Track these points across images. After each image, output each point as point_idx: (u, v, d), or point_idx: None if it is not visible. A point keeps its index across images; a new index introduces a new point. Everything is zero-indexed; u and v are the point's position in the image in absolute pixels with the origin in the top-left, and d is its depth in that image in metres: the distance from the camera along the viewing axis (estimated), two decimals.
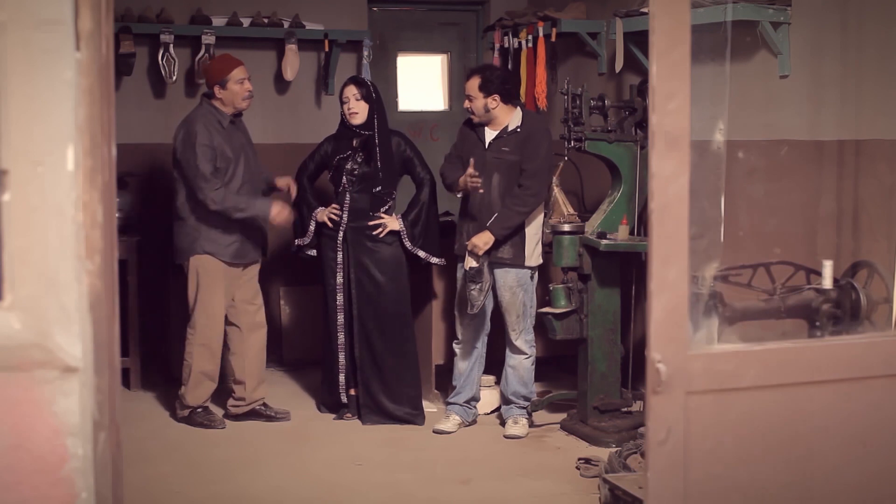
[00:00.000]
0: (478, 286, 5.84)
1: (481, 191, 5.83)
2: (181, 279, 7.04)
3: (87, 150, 2.47)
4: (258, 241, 6.21)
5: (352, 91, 6.14)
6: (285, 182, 6.30)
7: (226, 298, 6.12)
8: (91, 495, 2.50)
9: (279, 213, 6.04)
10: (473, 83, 5.91)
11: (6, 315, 2.46)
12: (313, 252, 6.30)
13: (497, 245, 5.87)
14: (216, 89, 6.04)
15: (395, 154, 6.18)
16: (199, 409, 6.15)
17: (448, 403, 6.17)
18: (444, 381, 6.30)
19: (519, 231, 5.90)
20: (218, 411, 6.26)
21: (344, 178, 6.16)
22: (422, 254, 6.20)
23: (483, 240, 5.83)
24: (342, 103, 6.16)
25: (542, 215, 6.01)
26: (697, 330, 2.99)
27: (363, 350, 6.19)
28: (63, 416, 2.48)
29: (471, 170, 5.79)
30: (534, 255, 5.96)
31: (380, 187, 6.14)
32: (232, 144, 6.03)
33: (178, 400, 6.20)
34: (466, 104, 5.96)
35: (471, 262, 5.86)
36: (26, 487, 2.47)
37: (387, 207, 6.19)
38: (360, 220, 6.15)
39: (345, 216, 6.16)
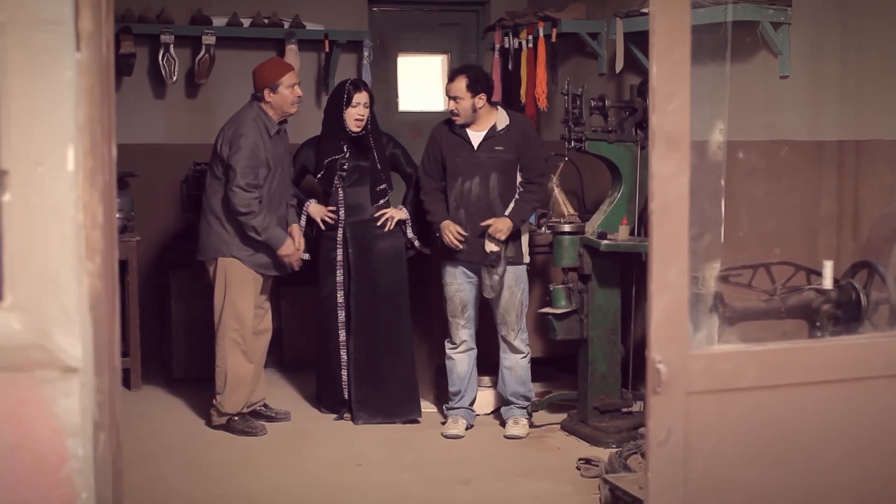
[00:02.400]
0: (496, 270, 5.85)
1: (461, 248, 5.94)
2: (182, 279, 7.05)
3: (88, 150, 2.47)
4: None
5: (363, 98, 6.12)
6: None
7: (253, 300, 6.03)
8: (91, 496, 2.50)
9: (289, 253, 5.94)
10: (460, 84, 5.88)
11: (6, 315, 2.46)
12: (307, 255, 6.26)
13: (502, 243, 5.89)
14: (266, 92, 5.94)
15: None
16: (237, 417, 6.04)
17: (451, 408, 6.15)
18: (444, 381, 6.30)
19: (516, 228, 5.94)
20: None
21: (336, 176, 6.16)
22: (417, 243, 6.27)
23: (506, 224, 5.84)
24: (350, 106, 6.10)
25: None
26: (698, 330, 2.99)
27: (360, 347, 6.19)
28: (63, 416, 2.48)
29: (458, 233, 5.89)
30: (527, 252, 6.01)
31: (384, 184, 6.22)
32: (274, 154, 5.95)
33: (213, 408, 6.07)
34: (452, 106, 5.93)
35: (492, 247, 5.85)
36: (26, 488, 2.47)
37: (385, 200, 6.23)
38: (358, 216, 6.17)
39: (341, 213, 6.17)
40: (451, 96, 5.92)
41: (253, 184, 5.83)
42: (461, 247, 5.91)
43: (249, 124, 5.90)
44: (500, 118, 5.95)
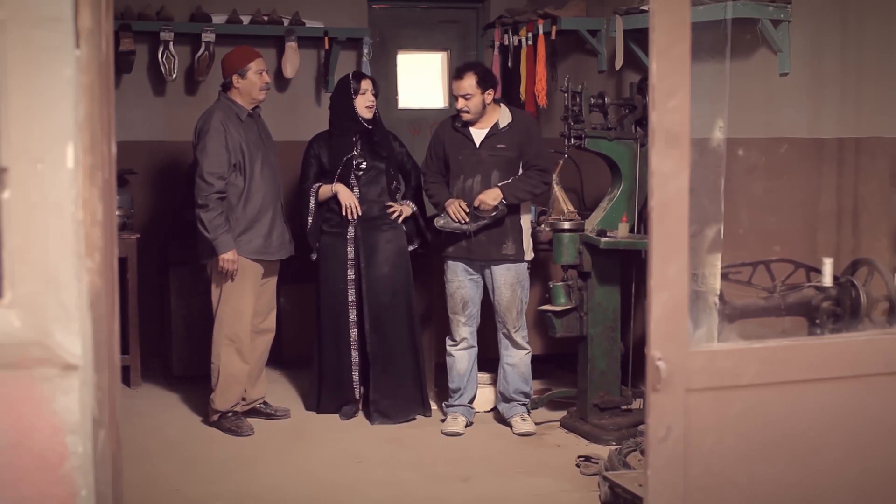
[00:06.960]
0: (473, 224, 5.85)
1: (467, 220, 5.88)
2: (182, 277, 7.05)
3: (87, 147, 2.47)
4: (282, 238, 6.11)
5: (369, 85, 6.19)
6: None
7: (252, 295, 6.01)
8: (91, 493, 2.50)
9: (227, 261, 5.83)
10: (470, 81, 5.86)
11: (6, 313, 2.45)
12: (313, 256, 6.26)
13: (499, 242, 5.88)
14: (235, 78, 5.97)
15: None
16: (230, 414, 6.03)
17: (451, 406, 6.15)
18: (444, 379, 6.30)
19: (516, 225, 5.93)
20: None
21: (352, 174, 6.17)
22: (429, 235, 6.29)
23: (492, 195, 5.83)
24: (358, 94, 6.14)
25: (530, 210, 6.07)
26: (697, 327, 2.99)
27: (376, 346, 6.18)
28: (63, 413, 2.48)
29: (462, 207, 5.85)
30: (528, 249, 6.00)
31: (395, 182, 6.25)
32: (249, 138, 5.96)
33: (209, 405, 6.09)
34: (462, 104, 5.89)
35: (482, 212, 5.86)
36: (26, 485, 2.47)
37: (399, 195, 6.26)
38: (370, 213, 6.18)
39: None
40: (461, 94, 5.88)
41: (216, 173, 5.80)
42: (467, 219, 5.86)
43: (215, 115, 5.91)
44: (503, 115, 5.94)
